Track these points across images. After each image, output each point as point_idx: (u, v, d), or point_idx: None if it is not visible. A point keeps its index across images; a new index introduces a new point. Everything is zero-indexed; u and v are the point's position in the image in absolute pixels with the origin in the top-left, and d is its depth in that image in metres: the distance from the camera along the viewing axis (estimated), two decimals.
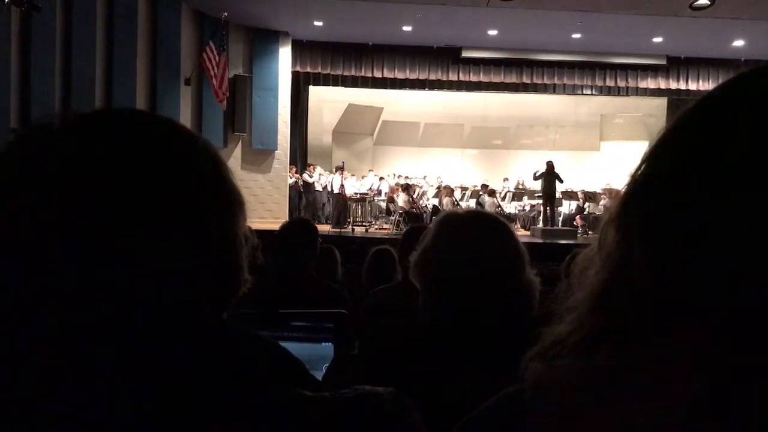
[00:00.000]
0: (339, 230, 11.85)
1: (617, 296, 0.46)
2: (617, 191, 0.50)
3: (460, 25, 12.90)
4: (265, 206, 13.35)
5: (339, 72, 14.86)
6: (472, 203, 13.87)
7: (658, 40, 13.73)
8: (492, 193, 14.05)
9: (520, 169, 16.90)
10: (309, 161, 15.79)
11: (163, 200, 0.58)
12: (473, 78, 15.23)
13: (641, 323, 0.44)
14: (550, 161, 13.07)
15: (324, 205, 14.61)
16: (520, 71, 15.30)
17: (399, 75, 15.00)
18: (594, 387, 0.44)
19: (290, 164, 14.35)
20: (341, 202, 12.91)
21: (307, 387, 0.59)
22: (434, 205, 13.34)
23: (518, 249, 1.31)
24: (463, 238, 1.30)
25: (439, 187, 14.51)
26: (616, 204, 0.49)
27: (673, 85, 15.31)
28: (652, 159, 0.48)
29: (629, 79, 15.40)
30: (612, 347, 0.45)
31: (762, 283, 0.39)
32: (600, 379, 0.44)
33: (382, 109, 18.56)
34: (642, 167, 0.48)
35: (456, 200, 13.44)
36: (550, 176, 12.84)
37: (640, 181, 0.48)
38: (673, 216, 0.44)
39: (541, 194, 13.33)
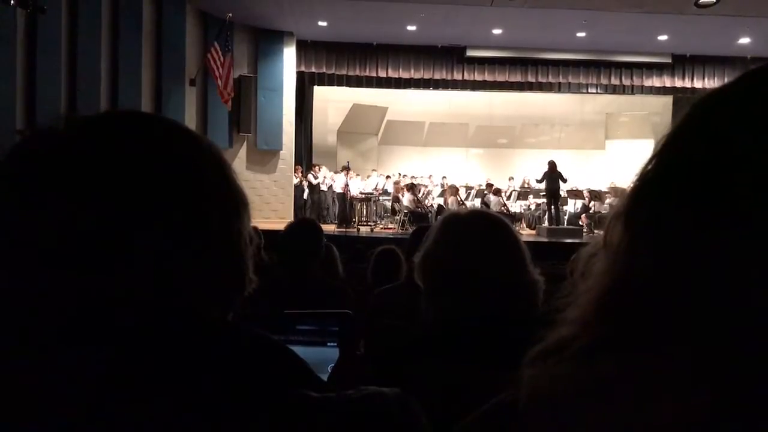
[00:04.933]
0: (344, 230, 11.85)
1: (622, 299, 0.45)
2: (623, 190, 0.50)
3: (465, 24, 12.89)
4: (270, 206, 13.37)
5: (344, 72, 14.87)
6: (477, 202, 13.85)
7: (663, 38, 13.69)
8: (497, 192, 14.01)
9: (525, 168, 16.85)
10: (314, 161, 15.80)
11: (167, 201, 0.59)
12: (478, 77, 15.21)
13: (645, 328, 0.43)
14: (552, 161, 13.00)
15: (329, 205, 14.61)
16: (525, 70, 15.28)
17: (403, 74, 15.00)
18: (592, 397, 0.43)
19: (295, 164, 14.36)
20: (346, 201, 12.92)
21: (312, 388, 0.59)
22: (439, 205, 13.31)
23: (520, 248, 1.31)
24: (465, 238, 1.29)
25: (444, 187, 14.49)
26: (622, 202, 0.48)
27: (679, 84, 15.25)
28: (659, 157, 0.47)
29: (634, 78, 15.34)
30: (614, 355, 0.44)
31: None
32: (599, 390, 0.43)
33: (386, 108, 18.54)
34: (649, 165, 0.48)
35: (461, 199, 13.41)
36: (553, 175, 12.78)
37: (647, 180, 0.47)
38: (681, 215, 0.43)
39: (545, 193, 13.30)
